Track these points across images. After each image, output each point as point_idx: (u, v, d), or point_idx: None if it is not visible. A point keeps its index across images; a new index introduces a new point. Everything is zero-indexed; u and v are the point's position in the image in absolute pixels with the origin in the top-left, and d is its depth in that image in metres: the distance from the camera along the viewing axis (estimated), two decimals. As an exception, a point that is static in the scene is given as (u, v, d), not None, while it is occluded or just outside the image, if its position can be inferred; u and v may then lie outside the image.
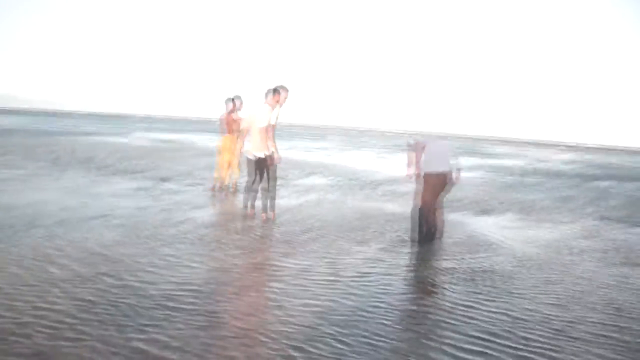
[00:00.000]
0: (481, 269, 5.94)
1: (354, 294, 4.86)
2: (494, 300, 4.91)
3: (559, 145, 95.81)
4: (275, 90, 7.94)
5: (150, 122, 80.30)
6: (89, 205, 8.20)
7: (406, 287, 5.38)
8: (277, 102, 7.93)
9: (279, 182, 8.77)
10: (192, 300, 4.42)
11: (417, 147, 7.07)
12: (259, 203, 8.17)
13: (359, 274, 5.48)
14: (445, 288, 5.27)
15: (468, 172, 19.05)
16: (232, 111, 10.35)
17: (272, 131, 7.95)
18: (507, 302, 4.88)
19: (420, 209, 6.92)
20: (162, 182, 11.29)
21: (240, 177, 10.55)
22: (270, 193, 8.09)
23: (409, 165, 7.10)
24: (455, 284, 5.38)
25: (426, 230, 6.95)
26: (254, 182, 8.22)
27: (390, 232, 7.62)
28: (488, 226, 8.61)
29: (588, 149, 68.78)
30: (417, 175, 7.06)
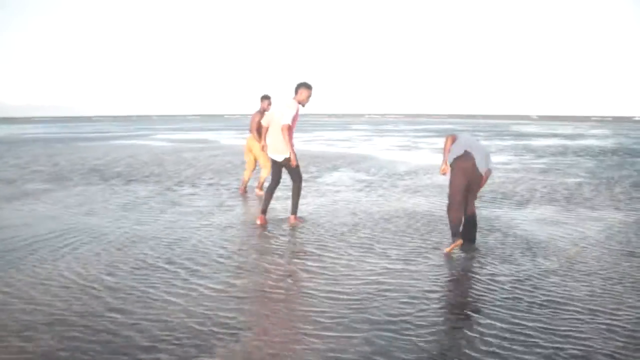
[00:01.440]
0: (527, 279, 5.12)
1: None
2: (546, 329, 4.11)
3: (590, 119, 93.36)
4: (297, 88, 7.36)
5: (171, 122, 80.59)
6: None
7: (432, 318, 4.57)
8: (299, 101, 7.36)
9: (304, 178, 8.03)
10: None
11: (448, 139, 6.35)
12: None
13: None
14: (484, 309, 4.48)
15: (500, 156, 18.14)
16: (262, 110, 9.70)
17: (290, 131, 7.26)
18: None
19: (449, 203, 6.18)
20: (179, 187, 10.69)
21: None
22: (293, 195, 7.58)
23: (444, 159, 6.33)
24: (497, 305, 4.57)
25: (462, 227, 6.19)
26: (272, 184, 7.67)
27: (411, 236, 6.82)
28: (529, 222, 7.73)
29: (618, 120, 66.45)
30: (444, 170, 6.29)
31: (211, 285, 4.92)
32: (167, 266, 5.49)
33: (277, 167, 7.59)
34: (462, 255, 5.97)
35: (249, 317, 4.20)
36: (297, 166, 7.41)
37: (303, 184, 7.86)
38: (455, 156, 6.19)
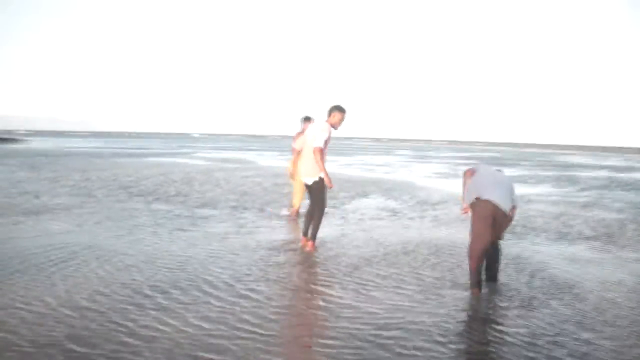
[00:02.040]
0: (545, 332, 4.57)
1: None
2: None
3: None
4: (331, 111, 7.24)
5: (213, 141, 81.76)
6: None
7: None
8: (332, 124, 7.24)
9: (331, 203, 7.76)
10: None
11: (465, 174, 5.83)
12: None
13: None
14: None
15: (539, 187, 17.32)
16: (304, 131, 9.46)
17: (322, 153, 7.07)
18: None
19: (470, 250, 5.59)
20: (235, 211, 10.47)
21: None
22: (314, 221, 7.31)
23: (464, 197, 5.79)
24: None
25: (479, 274, 5.59)
26: (310, 208, 7.45)
27: (431, 272, 6.32)
28: (563, 260, 7.11)
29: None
30: (466, 209, 5.75)
31: (182, 327, 4.56)
32: (150, 293, 5.17)
33: (309, 191, 7.40)
34: (481, 295, 5.43)
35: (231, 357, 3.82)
36: (323, 192, 7.20)
37: (327, 209, 7.55)
38: (474, 197, 5.58)
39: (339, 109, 7.23)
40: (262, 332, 4.27)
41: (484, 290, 5.58)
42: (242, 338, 4.13)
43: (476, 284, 5.53)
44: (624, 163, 40.14)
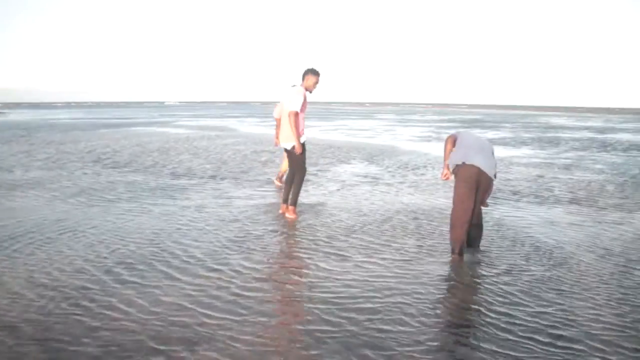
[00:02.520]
0: (529, 290, 4.46)
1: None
2: None
3: (625, 111, 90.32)
4: (304, 75, 7.16)
5: (198, 109, 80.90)
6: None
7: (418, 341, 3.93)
8: (307, 87, 7.16)
9: (311, 170, 7.66)
10: None
11: (447, 140, 5.65)
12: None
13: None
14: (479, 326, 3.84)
15: (521, 149, 17.25)
16: None
17: (297, 117, 7.00)
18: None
19: (451, 219, 5.47)
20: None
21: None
22: (294, 186, 7.23)
23: (446, 162, 5.63)
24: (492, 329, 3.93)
25: (461, 241, 5.47)
26: (290, 173, 7.37)
27: (411, 240, 6.18)
28: (543, 224, 7.01)
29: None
30: (447, 175, 5.60)
31: (150, 308, 4.37)
32: (116, 270, 4.97)
33: (289, 156, 7.34)
34: (462, 262, 5.31)
35: (207, 327, 3.64)
36: (301, 156, 7.13)
37: (308, 175, 7.42)
38: (456, 162, 5.44)
39: (312, 71, 7.12)
40: (237, 309, 4.11)
41: (465, 257, 5.47)
42: (214, 317, 3.96)
43: (457, 251, 5.44)
44: (604, 124, 40.30)
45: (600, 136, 25.11)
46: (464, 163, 5.36)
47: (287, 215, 7.20)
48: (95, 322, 3.83)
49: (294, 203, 7.24)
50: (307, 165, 7.45)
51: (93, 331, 3.68)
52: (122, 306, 4.11)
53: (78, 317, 3.90)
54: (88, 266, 5.04)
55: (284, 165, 9.65)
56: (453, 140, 5.64)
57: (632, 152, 17.12)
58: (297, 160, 7.17)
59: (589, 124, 39.78)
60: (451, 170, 5.54)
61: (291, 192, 7.26)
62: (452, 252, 5.49)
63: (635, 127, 35.25)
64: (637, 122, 44.63)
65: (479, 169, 5.33)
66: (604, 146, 19.30)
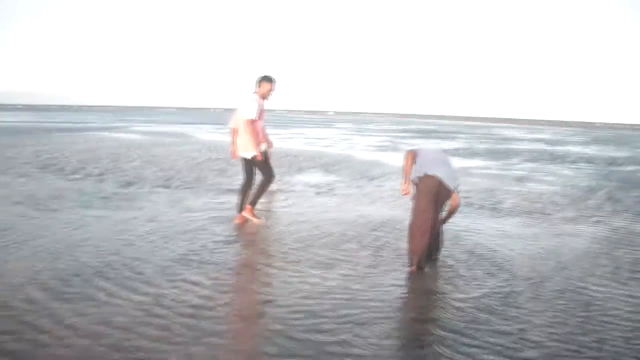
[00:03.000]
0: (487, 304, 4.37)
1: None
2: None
3: (571, 124, 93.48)
4: (259, 82, 7.09)
5: (151, 114, 79.46)
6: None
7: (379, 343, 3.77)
8: (262, 95, 7.09)
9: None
10: None
11: (407, 157, 5.55)
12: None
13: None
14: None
15: (474, 160, 17.48)
16: None
17: (254, 125, 6.95)
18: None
19: (411, 230, 5.38)
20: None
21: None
22: (259, 185, 7.21)
23: (404, 178, 5.53)
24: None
25: (419, 253, 5.38)
26: (245, 183, 7.38)
27: (367, 251, 6.05)
28: (495, 235, 7.01)
29: (603, 127, 66.59)
30: (406, 190, 5.50)
31: (81, 332, 4.08)
32: (53, 286, 4.64)
33: (248, 166, 7.31)
34: (418, 274, 5.20)
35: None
36: (265, 162, 7.13)
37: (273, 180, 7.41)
38: (418, 175, 5.41)
39: (267, 79, 7.05)
40: (180, 328, 3.86)
41: (422, 269, 5.37)
42: (153, 338, 3.71)
43: (415, 262, 5.36)
44: (553, 136, 41.51)
45: (550, 148, 25.78)
46: (425, 174, 5.34)
47: (249, 218, 7.17)
48: (18, 344, 3.52)
49: (253, 204, 7.19)
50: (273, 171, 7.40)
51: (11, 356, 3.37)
52: (52, 326, 3.80)
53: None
54: (20, 279, 4.69)
55: None
56: (413, 156, 5.56)
57: (580, 164, 17.59)
58: (263, 167, 7.12)
59: (540, 136, 40.88)
60: (413, 182, 5.48)
61: (253, 194, 7.21)
62: (410, 264, 5.39)
63: (582, 140, 36.43)
64: (582, 136, 46.16)
65: (440, 180, 5.30)
66: (554, 158, 19.77)
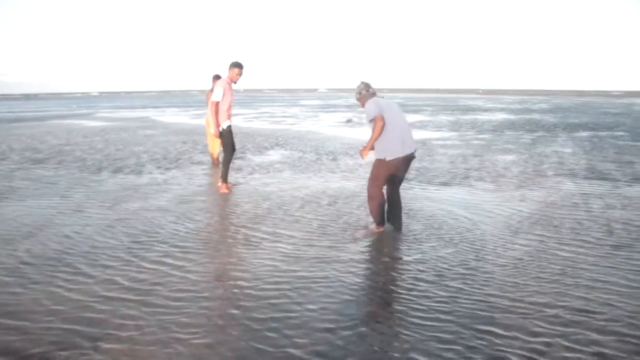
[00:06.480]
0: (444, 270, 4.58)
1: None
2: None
3: (540, 92, 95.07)
4: (229, 67, 7.95)
5: (124, 100, 78.05)
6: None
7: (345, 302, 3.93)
8: (231, 78, 7.96)
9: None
10: None
11: (377, 123, 5.39)
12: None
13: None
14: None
15: (444, 132, 17.77)
16: (212, 90, 9.44)
17: (217, 106, 7.85)
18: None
19: (370, 193, 5.68)
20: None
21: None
22: (222, 164, 8.25)
23: (369, 143, 5.51)
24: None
25: (381, 212, 5.72)
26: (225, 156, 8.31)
27: (335, 220, 6.21)
28: (455, 202, 7.24)
29: (566, 93, 67.78)
30: (366, 154, 5.51)
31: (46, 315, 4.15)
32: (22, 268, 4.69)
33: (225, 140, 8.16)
34: (382, 242, 5.39)
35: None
36: (225, 138, 8.00)
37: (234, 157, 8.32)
38: (397, 156, 5.47)
39: (235, 64, 7.93)
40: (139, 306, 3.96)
41: (385, 236, 5.65)
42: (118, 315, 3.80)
43: (380, 221, 5.75)
44: (520, 105, 42.20)
45: (514, 117, 26.28)
46: (402, 156, 5.51)
47: (220, 188, 8.14)
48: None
49: (224, 179, 8.15)
50: (235, 148, 8.31)
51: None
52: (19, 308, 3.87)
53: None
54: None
55: (215, 149, 10.84)
56: (383, 123, 5.41)
57: (557, 131, 18.03)
58: (224, 143, 8.09)
59: (505, 105, 41.51)
60: (385, 158, 5.51)
61: (221, 170, 8.23)
62: (376, 225, 5.80)
63: (547, 108, 37.16)
64: (545, 103, 47.02)
65: (412, 153, 5.60)
66: (515, 127, 20.20)
